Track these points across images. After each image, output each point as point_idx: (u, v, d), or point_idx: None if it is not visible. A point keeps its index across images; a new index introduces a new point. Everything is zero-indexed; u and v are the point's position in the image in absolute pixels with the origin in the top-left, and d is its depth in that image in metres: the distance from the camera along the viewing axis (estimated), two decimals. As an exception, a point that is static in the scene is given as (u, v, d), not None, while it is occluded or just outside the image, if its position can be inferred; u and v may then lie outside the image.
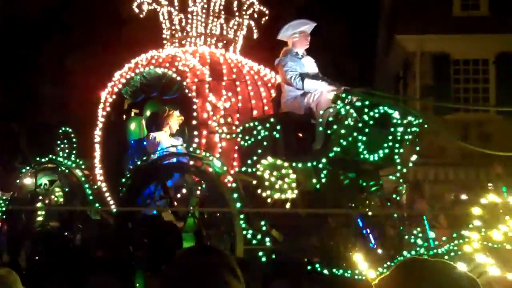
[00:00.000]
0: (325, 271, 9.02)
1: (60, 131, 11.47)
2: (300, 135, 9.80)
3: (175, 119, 11.00)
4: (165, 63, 10.97)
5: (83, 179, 10.58)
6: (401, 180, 10.42)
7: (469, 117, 22.83)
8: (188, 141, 10.72)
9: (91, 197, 10.43)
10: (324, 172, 9.27)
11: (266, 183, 9.24)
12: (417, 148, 10.06)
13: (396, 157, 9.74)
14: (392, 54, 25.96)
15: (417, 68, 23.65)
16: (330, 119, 9.36)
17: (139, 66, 11.25)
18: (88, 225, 10.32)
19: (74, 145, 11.39)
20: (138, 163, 10.13)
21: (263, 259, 8.95)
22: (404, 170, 10.10)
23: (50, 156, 11.10)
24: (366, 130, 9.37)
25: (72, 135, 11.43)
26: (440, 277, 2.14)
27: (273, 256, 9.09)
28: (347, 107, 9.22)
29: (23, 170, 11.23)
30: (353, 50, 26.09)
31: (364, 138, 9.36)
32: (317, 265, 9.09)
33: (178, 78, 10.59)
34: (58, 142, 11.44)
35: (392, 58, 26.27)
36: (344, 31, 24.09)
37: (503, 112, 22.60)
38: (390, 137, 9.64)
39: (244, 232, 9.04)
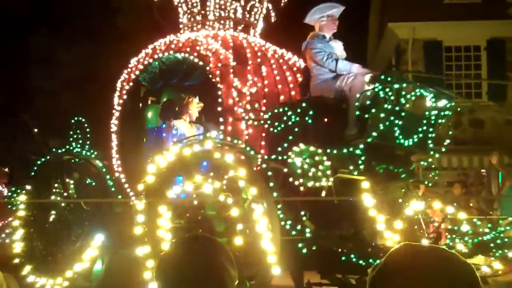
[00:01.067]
0: (361, 262, 8.44)
1: (73, 120, 10.73)
2: (333, 120, 9.17)
3: (194, 106, 10.39)
4: (185, 47, 10.29)
5: (103, 170, 9.88)
6: (433, 166, 9.94)
7: (462, 103, 22.50)
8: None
9: (113, 189, 9.73)
10: (362, 158, 8.70)
11: (298, 171, 8.62)
12: (450, 132, 9.57)
13: (430, 141, 9.20)
14: (384, 42, 25.57)
15: (409, 55, 23.32)
16: (368, 102, 8.77)
17: (157, 52, 10.58)
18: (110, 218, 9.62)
19: (88, 135, 10.64)
20: (164, 151, 9.46)
21: (304, 250, 8.32)
22: (437, 156, 9.55)
23: (67, 147, 10.36)
24: (403, 113, 8.82)
25: (86, 125, 10.70)
26: (435, 264, 2.03)
27: (314, 248, 8.47)
28: (387, 89, 8.64)
29: (38, 162, 10.50)
30: (344, 38, 25.52)
31: (401, 122, 8.82)
32: (352, 255, 8.49)
33: (201, 63, 9.93)
34: (71, 132, 10.70)
35: (384, 46, 25.88)
36: (335, 19, 23.45)
37: (495, 98, 22.39)
38: (424, 121, 9.11)
39: (282, 223, 8.43)
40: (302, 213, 8.49)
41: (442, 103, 9.16)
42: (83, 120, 10.76)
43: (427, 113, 9.13)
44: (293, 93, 10.16)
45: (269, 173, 8.65)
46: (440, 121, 9.24)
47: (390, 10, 24.12)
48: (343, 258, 8.60)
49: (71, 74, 23.61)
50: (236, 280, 2.55)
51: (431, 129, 9.15)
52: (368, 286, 2.16)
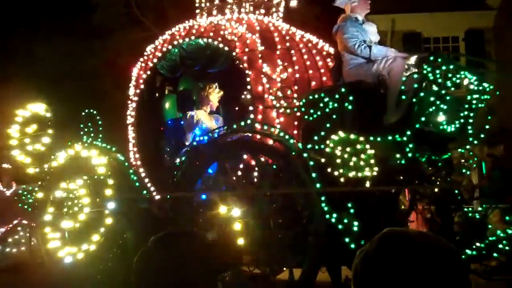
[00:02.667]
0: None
1: (83, 113, 9.71)
2: (375, 105, 8.38)
3: (215, 96, 9.53)
4: (207, 32, 9.35)
5: (126, 164, 8.92)
6: (471, 153, 9.23)
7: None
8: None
9: (137, 184, 8.78)
10: (410, 146, 7.92)
11: (338, 161, 7.81)
12: (489, 118, 8.85)
13: (469, 127, 8.47)
14: (364, 34, 24.94)
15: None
16: (415, 85, 8.01)
17: (176, 38, 9.61)
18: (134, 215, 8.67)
19: (100, 128, 9.64)
20: (194, 143, 8.57)
21: (352, 245, 7.48)
22: (476, 142, 8.81)
23: (84, 139, 9.36)
24: (447, 97, 8.10)
25: (98, 118, 9.70)
26: (420, 250, 1.93)
27: (362, 242, 7.63)
28: (437, 71, 7.88)
29: (52, 157, 9.47)
30: (323, 31, 24.86)
31: (445, 107, 8.09)
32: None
33: (226, 48, 9.02)
34: (81, 125, 9.68)
35: (363, 38, 25.24)
36: (315, 12, 22.74)
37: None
38: (466, 106, 8.39)
39: (327, 216, 7.59)
40: (349, 205, 7.63)
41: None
42: (95, 112, 9.75)
43: (468, 97, 8.40)
44: (324, 78, 9.31)
45: (311, 163, 7.81)
46: (480, 105, 8.51)
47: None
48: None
49: (50, 70, 22.48)
50: (215, 275, 2.48)
51: (471, 114, 8.42)
52: (353, 273, 2.03)
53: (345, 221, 7.55)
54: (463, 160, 9.21)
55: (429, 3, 22.54)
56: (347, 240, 7.51)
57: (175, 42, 9.48)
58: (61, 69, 22.27)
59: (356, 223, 7.55)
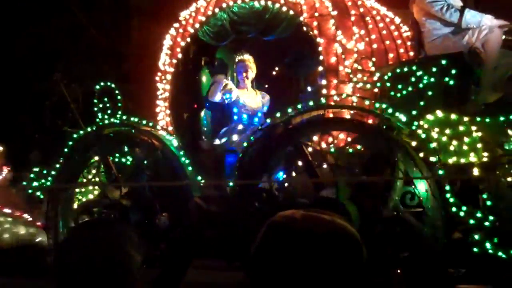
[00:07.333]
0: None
1: (98, 86, 7.45)
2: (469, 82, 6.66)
3: (244, 66, 7.60)
4: (265, -7, 7.21)
5: (175, 145, 6.70)
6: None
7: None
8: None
9: (190, 168, 6.58)
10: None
11: (433, 145, 6.02)
12: None
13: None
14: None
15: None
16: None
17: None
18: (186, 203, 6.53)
19: (119, 104, 7.40)
20: (268, 121, 6.49)
21: (487, 244, 5.68)
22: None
23: (119, 115, 7.08)
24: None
25: (116, 92, 7.45)
26: (305, 239, 1.61)
27: (495, 240, 5.81)
28: None
29: (75, 136, 7.13)
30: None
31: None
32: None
33: (291, 12, 6.96)
34: (96, 101, 7.41)
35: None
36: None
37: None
38: None
39: (454, 209, 5.75)
40: (485, 196, 5.82)
41: None
42: (112, 85, 7.48)
43: None
44: (401, 50, 7.39)
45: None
46: None
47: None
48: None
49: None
50: (139, 266, 2.11)
51: None
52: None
53: (478, 215, 5.70)
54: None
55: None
56: (476, 237, 5.68)
57: (223, 5, 7.29)
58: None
59: (491, 218, 5.73)
